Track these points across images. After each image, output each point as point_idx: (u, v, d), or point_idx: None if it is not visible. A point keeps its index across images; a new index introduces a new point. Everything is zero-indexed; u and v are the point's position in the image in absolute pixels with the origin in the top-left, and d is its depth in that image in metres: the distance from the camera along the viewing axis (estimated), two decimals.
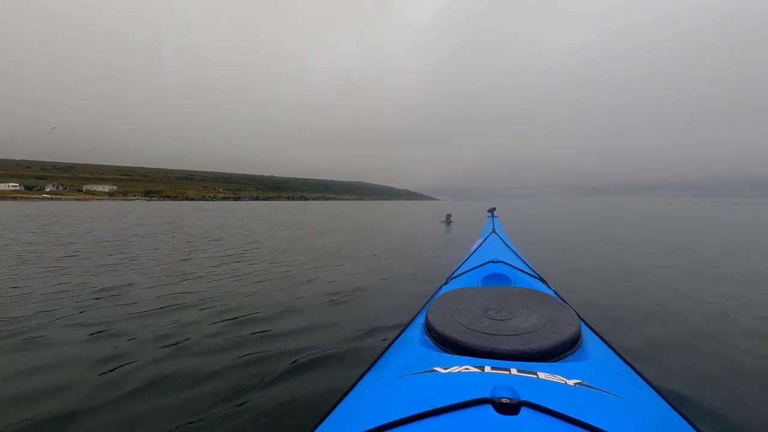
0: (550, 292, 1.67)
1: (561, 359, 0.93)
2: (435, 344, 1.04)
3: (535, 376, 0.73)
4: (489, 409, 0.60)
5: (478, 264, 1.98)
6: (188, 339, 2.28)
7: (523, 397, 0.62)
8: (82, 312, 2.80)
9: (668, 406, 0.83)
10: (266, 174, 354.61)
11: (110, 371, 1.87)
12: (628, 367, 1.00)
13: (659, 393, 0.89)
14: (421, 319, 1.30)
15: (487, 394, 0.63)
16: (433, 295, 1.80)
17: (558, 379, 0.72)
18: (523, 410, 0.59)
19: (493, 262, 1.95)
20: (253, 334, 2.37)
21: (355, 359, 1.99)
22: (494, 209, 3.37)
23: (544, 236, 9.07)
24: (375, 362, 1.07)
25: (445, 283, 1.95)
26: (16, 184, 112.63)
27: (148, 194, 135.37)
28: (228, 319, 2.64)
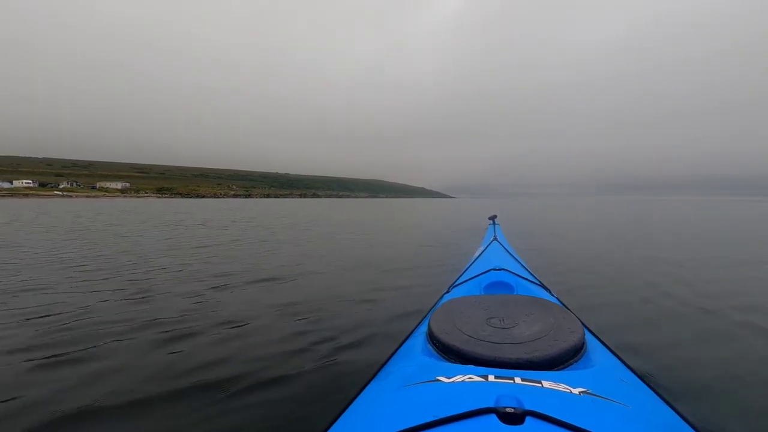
0: (553, 300, 1.65)
1: (565, 367, 0.92)
2: (438, 353, 1.03)
3: (540, 385, 0.72)
4: (493, 419, 0.59)
5: (480, 272, 1.98)
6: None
7: (528, 407, 0.61)
8: None
9: (674, 413, 0.82)
10: (281, 171, 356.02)
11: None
12: (633, 375, 0.99)
13: (665, 400, 0.88)
14: (423, 328, 1.29)
15: (491, 404, 0.62)
16: (435, 304, 1.77)
17: (562, 387, 0.72)
18: (528, 420, 0.58)
19: (495, 269, 1.93)
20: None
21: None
22: (495, 216, 3.37)
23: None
24: (377, 372, 1.06)
25: (447, 292, 1.93)
26: (30, 181, 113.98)
27: (160, 191, 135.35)
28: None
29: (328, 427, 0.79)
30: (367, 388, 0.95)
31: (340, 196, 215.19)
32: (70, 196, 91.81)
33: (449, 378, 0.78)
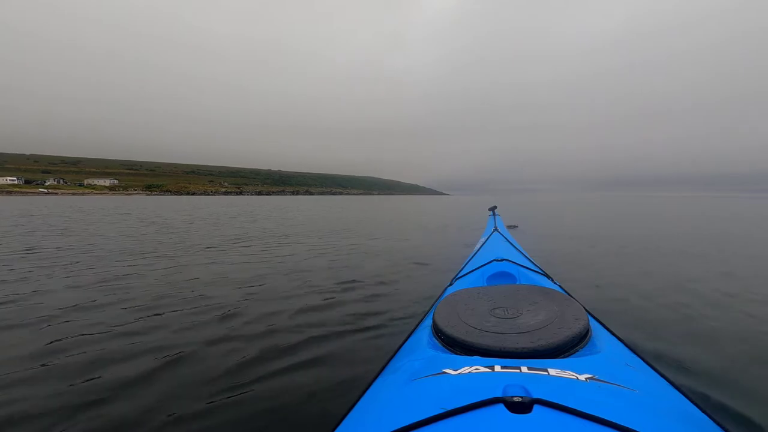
0: (556, 287, 1.68)
1: (571, 354, 0.93)
2: (443, 346, 1.04)
3: (546, 373, 0.72)
4: (501, 408, 0.60)
5: (482, 263, 1.99)
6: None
7: (535, 395, 0.62)
8: None
9: (680, 395, 0.83)
10: (274, 168, 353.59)
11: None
12: (639, 359, 1.00)
13: (671, 383, 0.89)
14: (428, 322, 1.30)
15: (498, 394, 0.63)
16: (438, 297, 1.78)
17: (569, 374, 0.72)
18: (536, 408, 0.59)
19: (497, 260, 1.94)
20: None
21: None
22: (495, 207, 3.34)
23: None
24: (385, 366, 1.08)
25: (450, 285, 1.94)
26: (14, 178, 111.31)
27: (149, 188, 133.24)
28: None
29: (339, 423, 0.79)
30: (374, 383, 0.95)
31: (333, 193, 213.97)
32: (55, 194, 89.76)
33: (456, 370, 0.78)
